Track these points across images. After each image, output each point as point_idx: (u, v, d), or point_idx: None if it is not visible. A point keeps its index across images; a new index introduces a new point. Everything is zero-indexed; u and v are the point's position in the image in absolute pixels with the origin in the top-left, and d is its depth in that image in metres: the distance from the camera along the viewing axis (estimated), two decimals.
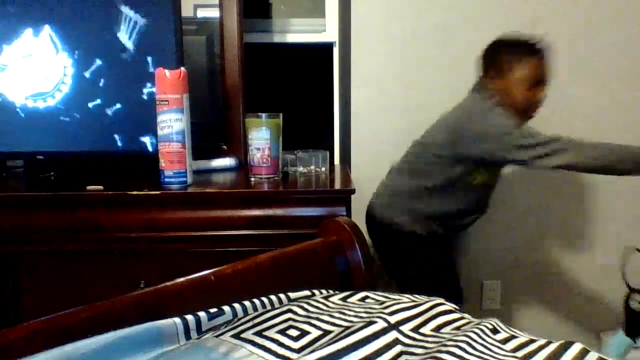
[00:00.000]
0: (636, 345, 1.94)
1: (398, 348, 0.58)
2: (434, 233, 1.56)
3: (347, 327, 0.60)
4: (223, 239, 1.27)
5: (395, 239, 1.58)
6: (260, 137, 1.38)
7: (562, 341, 0.60)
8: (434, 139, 1.56)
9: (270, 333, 0.62)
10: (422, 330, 0.64)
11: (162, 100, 1.28)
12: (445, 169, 1.51)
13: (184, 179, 1.31)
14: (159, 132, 1.30)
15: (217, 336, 0.62)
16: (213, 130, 1.66)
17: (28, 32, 1.41)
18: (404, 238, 1.56)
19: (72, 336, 0.57)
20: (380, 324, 0.60)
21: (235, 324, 0.64)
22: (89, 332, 0.58)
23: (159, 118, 1.29)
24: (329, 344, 0.56)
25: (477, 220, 1.63)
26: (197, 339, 0.63)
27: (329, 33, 1.93)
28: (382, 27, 1.87)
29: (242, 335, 0.61)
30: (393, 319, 0.62)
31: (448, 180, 1.52)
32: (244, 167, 1.58)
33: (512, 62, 1.47)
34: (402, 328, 0.62)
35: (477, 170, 1.50)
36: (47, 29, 1.41)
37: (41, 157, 1.47)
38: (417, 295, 0.73)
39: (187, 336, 0.64)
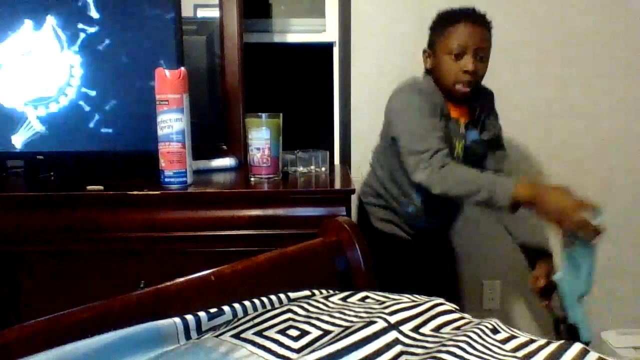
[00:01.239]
0: (637, 346, 1.95)
1: (398, 348, 0.58)
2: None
3: (347, 327, 0.60)
4: (223, 239, 1.27)
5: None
6: (260, 137, 1.38)
7: (562, 341, 0.60)
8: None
9: (270, 333, 0.62)
10: (422, 330, 0.64)
11: (162, 100, 1.28)
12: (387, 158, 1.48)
13: (184, 179, 1.31)
14: (159, 132, 1.30)
15: (217, 336, 0.62)
16: (213, 130, 1.66)
17: (28, 24, 1.40)
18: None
19: (72, 336, 0.57)
20: (380, 324, 0.60)
21: (235, 324, 0.64)
22: (89, 332, 0.58)
23: (159, 118, 1.29)
24: (329, 344, 0.56)
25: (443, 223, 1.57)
26: (197, 339, 0.63)
27: (329, 33, 1.93)
28: (382, 27, 1.87)
29: (242, 335, 0.61)
30: (393, 319, 0.62)
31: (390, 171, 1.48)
32: (244, 167, 1.58)
33: (438, 34, 1.41)
34: (402, 328, 0.62)
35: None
36: (50, 21, 1.40)
37: (41, 157, 1.47)
38: (417, 295, 0.74)
39: (187, 336, 0.64)
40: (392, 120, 1.42)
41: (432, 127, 1.34)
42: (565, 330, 1.29)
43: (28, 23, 1.40)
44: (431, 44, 1.44)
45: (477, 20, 1.37)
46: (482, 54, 1.36)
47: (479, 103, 1.47)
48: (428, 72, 1.46)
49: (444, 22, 1.40)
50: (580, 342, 0.60)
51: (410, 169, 1.32)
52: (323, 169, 1.52)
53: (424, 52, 1.46)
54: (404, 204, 1.50)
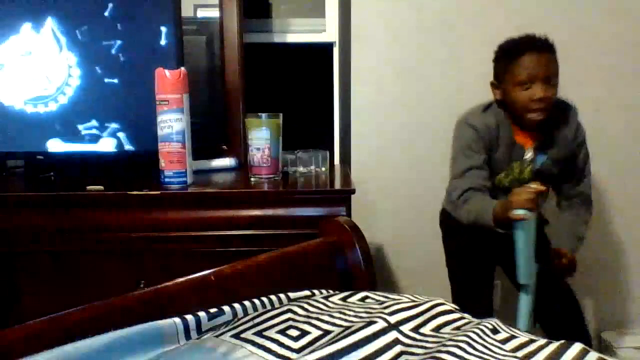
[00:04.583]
0: (637, 346, 1.95)
1: (398, 348, 0.58)
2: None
3: (347, 327, 0.60)
4: (223, 239, 1.27)
5: None
6: (260, 137, 1.38)
7: (562, 341, 0.60)
8: None
9: (270, 333, 0.62)
10: (422, 330, 0.64)
11: (162, 101, 1.28)
12: None
13: (184, 179, 1.31)
14: (159, 132, 1.30)
15: (217, 336, 0.62)
16: (213, 130, 1.66)
17: (27, 26, 1.40)
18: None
19: (72, 336, 0.57)
20: (380, 324, 0.60)
21: (235, 324, 0.64)
22: (89, 332, 0.58)
23: (159, 118, 1.29)
24: (329, 344, 0.56)
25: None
26: (197, 339, 0.63)
27: (329, 33, 1.93)
28: (382, 26, 1.87)
29: (242, 335, 0.61)
30: (393, 319, 0.62)
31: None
32: (244, 167, 1.58)
33: (505, 65, 1.40)
34: (402, 328, 0.62)
35: (498, 172, 1.48)
36: (49, 23, 1.40)
37: (41, 157, 1.47)
38: (417, 295, 0.74)
39: (187, 336, 0.64)
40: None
41: (471, 166, 1.41)
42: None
43: (27, 24, 1.40)
44: (497, 76, 1.44)
45: (541, 48, 1.37)
46: (551, 79, 1.36)
47: (549, 124, 1.44)
48: (498, 103, 1.45)
49: (507, 54, 1.40)
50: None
51: (446, 195, 1.51)
52: (323, 169, 1.52)
53: (492, 84, 1.46)
54: None
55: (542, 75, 1.34)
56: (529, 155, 1.46)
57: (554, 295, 1.50)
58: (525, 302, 1.34)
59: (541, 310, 1.43)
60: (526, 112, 1.37)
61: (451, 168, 1.48)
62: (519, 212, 1.21)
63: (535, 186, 1.27)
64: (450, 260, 1.68)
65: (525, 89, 1.35)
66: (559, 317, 1.50)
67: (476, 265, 1.61)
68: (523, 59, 1.35)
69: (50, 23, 1.40)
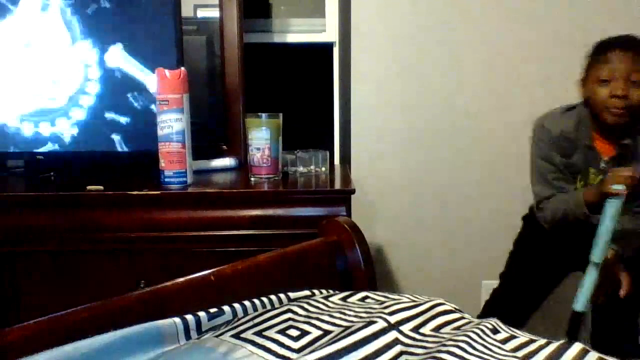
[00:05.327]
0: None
1: (398, 348, 0.58)
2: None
3: (347, 327, 0.60)
4: (223, 239, 1.27)
5: None
6: (260, 137, 1.38)
7: (562, 341, 0.60)
8: None
9: (270, 333, 0.62)
10: (422, 330, 0.64)
11: (162, 100, 1.28)
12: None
13: (184, 179, 1.31)
14: (159, 132, 1.30)
15: (217, 336, 0.62)
16: (213, 130, 1.66)
17: (25, 32, 1.39)
18: None
19: (72, 336, 0.57)
20: (380, 324, 0.60)
21: (235, 324, 0.64)
22: (89, 332, 0.58)
23: (159, 118, 1.29)
24: (329, 344, 0.56)
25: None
26: (197, 339, 0.63)
27: (329, 33, 1.93)
28: (382, 26, 1.87)
29: (242, 335, 0.61)
30: (393, 319, 0.62)
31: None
32: (244, 167, 1.58)
33: (591, 62, 1.41)
34: (402, 328, 0.62)
35: (576, 177, 1.48)
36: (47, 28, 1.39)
37: (41, 157, 1.47)
38: (417, 295, 0.74)
39: (187, 336, 0.64)
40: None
41: (548, 171, 1.47)
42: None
43: (24, 31, 1.39)
44: (585, 75, 1.44)
45: (627, 45, 1.35)
46: (636, 79, 1.33)
47: (633, 136, 1.41)
48: (585, 102, 1.45)
49: (595, 51, 1.41)
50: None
51: (533, 199, 1.53)
52: (323, 169, 1.52)
53: (580, 82, 1.46)
54: None
55: (624, 72, 1.32)
56: (603, 165, 1.43)
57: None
58: (590, 280, 1.35)
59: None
60: (604, 109, 1.35)
61: (531, 171, 1.50)
62: (617, 187, 1.25)
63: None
64: (520, 255, 1.68)
65: (606, 86, 1.34)
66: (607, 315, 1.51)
67: (548, 267, 1.61)
68: (607, 56, 1.35)
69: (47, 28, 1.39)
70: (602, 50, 1.37)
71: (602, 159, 1.44)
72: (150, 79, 1.30)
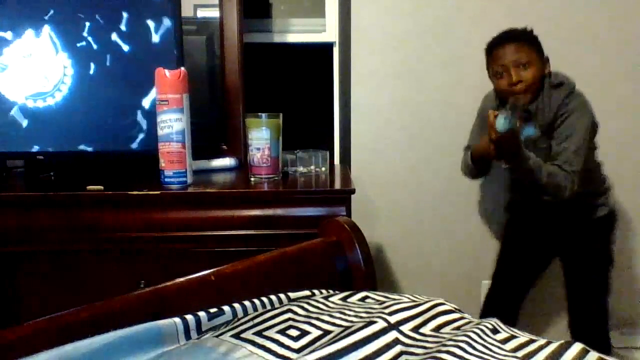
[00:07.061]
0: (637, 346, 1.94)
1: (398, 348, 0.58)
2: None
3: (347, 327, 0.60)
4: (223, 239, 1.27)
5: None
6: (260, 137, 1.38)
7: (562, 341, 0.60)
8: None
9: (270, 333, 0.62)
10: (422, 330, 0.64)
11: (162, 100, 1.28)
12: None
13: (184, 179, 1.31)
14: (159, 132, 1.30)
15: (217, 336, 0.62)
16: (213, 130, 1.66)
17: (29, 32, 1.40)
18: None
19: (72, 336, 0.57)
20: (380, 324, 0.60)
21: (235, 324, 0.64)
22: (89, 332, 0.58)
23: (159, 118, 1.29)
24: (329, 344, 0.56)
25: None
26: (197, 339, 0.63)
27: (329, 33, 1.93)
28: (382, 27, 1.87)
29: (242, 335, 0.61)
30: (393, 319, 0.62)
31: None
32: (244, 167, 1.58)
33: (487, 62, 1.55)
34: (402, 328, 0.62)
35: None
36: (47, 29, 1.40)
37: (41, 157, 1.47)
38: (417, 295, 0.74)
39: (187, 336, 0.64)
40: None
41: (472, 130, 1.72)
42: None
43: (29, 31, 1.40)
44: (487, 70, 1.57)
45: (506, 39, 1.50)
46: (522, 63, 1.47)
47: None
48: (495, 91, 1.59)
49: (487, 51, 1.55)
50: None
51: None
52: (323, 169, 1.52)
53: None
54: None
55: (511, 63, 1.46)
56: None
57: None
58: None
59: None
60: (509, 95, 1.48)
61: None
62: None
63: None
64: (505, 243, 1.80)
65: (503, 78, 1.49)
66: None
67: (531, 255, 1.73)
68: (494, 53, 1.51)
69: (47, 29, 1.40)
70: (491, 48, 1.53)
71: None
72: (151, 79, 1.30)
